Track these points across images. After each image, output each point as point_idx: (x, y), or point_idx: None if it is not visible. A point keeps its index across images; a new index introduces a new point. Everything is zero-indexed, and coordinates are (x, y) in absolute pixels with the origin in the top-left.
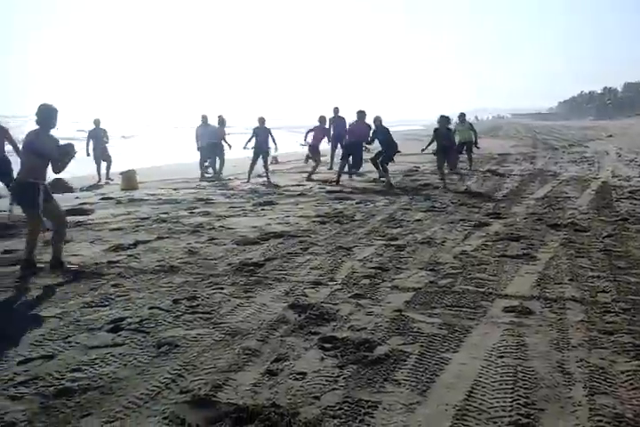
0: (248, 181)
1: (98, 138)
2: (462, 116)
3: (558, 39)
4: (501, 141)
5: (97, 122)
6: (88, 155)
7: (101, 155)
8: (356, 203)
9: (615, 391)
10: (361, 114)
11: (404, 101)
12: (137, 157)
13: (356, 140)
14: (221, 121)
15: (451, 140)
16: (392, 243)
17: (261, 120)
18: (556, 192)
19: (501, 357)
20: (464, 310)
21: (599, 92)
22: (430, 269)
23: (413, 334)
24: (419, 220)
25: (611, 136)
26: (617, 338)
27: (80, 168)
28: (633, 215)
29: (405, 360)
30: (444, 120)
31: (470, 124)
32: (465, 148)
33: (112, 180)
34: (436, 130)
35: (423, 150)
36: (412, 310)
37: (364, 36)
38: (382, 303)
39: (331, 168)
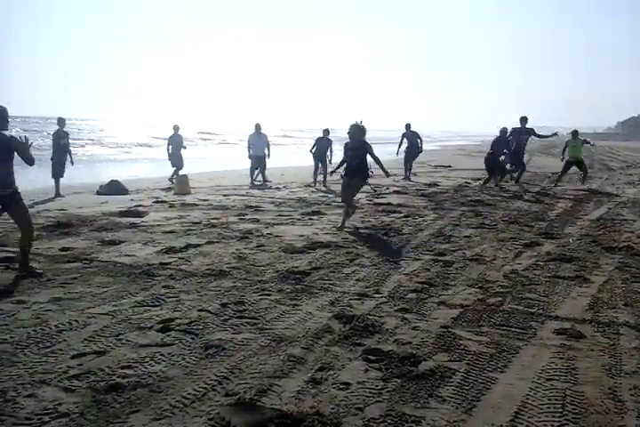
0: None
1: (176, 143)
2: (575, 132)
3: (619, 57)
4: (556, 160)
5: (176, 128)
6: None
7: (179, 160)
8: (404, 216)
9: None
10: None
11: (458, 116)
12: (192, 162)
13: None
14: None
15: (365, 158)
16: (440, 258)
17: (326, 131)
18: (612, 214)
19: (550, 379)
20: (513, 329)
21: None
22: (479, 287)
23: (460, 352)
24: (468, 236)
25: None
26: None
27: (144, 171)
28: None
29: (451, 377)
30: (356, 131)
31: (584, 139)
32: (575, 166)
33: (172, 183)
34: (346, 144)
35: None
36: (459, 326)
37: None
38: (428, 319)
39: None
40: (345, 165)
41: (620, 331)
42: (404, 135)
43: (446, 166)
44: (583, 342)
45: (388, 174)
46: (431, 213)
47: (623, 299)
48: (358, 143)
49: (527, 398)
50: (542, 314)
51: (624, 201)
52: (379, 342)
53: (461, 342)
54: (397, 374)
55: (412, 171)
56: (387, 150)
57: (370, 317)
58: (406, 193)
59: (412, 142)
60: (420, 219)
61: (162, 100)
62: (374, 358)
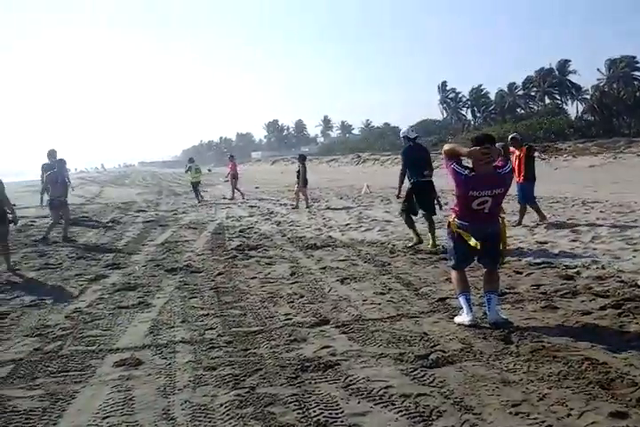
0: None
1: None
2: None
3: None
4: (128, 190)
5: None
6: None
7: None
8: None
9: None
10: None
11: None
12: None
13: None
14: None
15: None
16: None
17: None
18: (177, 236)
19: (107, 417)
20: (71, 374)
21: (216, 141)
22: (37, 335)
23: (6, 416)
24: (31, 278)
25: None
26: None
27: None
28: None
29: None
30: None
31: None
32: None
33: None
34: None
35: None
36: (10, 386)
37: None
38: None
39: None
40: None
41: (177, 349)
42: None
43: None
44: (142, 369)
45: None
46: None
47: (180, 316)
48: None
49: None
50: (103, 349)
51: (186, 223)
52: None
53: (10, 403)
54: None
55: None
56: None
57: None
58: None
59: None
60: None
61: None
62: None
